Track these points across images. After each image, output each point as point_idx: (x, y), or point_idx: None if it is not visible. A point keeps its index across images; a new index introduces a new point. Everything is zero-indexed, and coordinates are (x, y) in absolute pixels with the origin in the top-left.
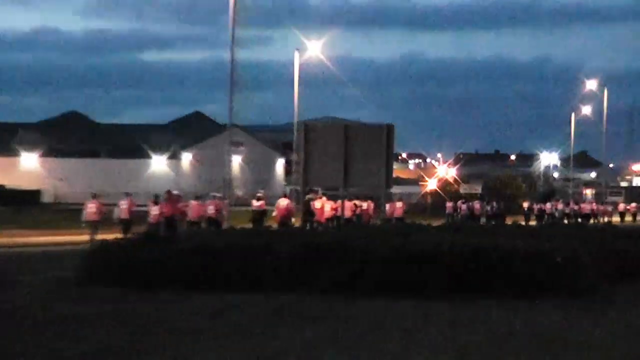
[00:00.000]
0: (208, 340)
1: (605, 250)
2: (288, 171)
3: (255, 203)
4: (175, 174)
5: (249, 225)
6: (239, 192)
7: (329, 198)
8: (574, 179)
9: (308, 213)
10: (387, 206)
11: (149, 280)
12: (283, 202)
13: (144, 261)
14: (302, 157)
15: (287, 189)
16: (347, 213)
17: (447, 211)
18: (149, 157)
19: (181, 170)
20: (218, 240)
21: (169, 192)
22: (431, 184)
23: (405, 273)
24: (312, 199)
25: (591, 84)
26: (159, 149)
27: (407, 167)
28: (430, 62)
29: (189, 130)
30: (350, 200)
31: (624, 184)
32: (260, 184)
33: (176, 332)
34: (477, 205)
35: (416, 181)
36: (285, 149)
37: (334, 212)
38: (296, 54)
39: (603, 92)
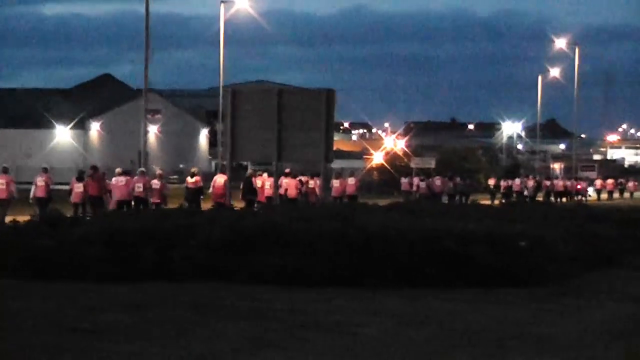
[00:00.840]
0: (116, 343)
1: (577, 234)
2: (213, 143)
3: (189, 180)
4: (82, 146)
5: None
6: (157, 167)
7: (271, 175)
8: (540, 151)
9: (249, 192)
10: (337, 183)
11: (47, 270)
12: (220, 179)
13: (43, 248)
14: (228, 127)
15: (212, 163)
16: (292, 192)
17: (402, 188)
18: (51, 127)
19: (89, 142)
20: (130, 224)
21: (94, 167)
22: (377, 158)
23: (345, 261)
24: (253, 175)
25: (561, 43)
26: (62, 118)
27: (350, 138)
28: (377, 17)
29: (98, 96)
30: (295, 177)
31: (597, 156)
32: (181, 158)
33: (78, 331)
34: (437, 181)
35: (360, 154)
36: (209, 117)
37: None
38: (222, 7)
39: (574, 52)
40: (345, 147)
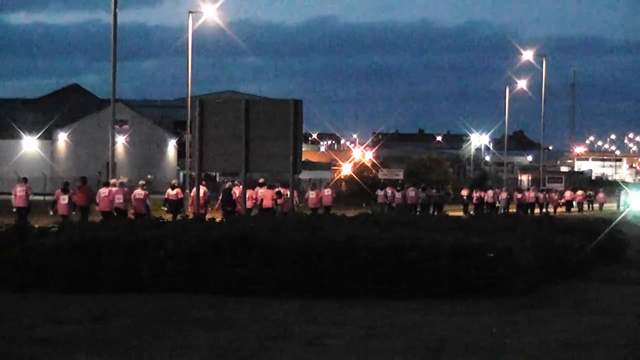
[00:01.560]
0: (78, 354)
1: (543, 245)
2: (181, 154)
3: (170, 192)
4: (49, 156)
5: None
6: (124, 178)
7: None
8: (508, 163)
9: (228, 202)
10: (314, 194)
11: (13, 279)
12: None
13: (12, 258)
14: (196, 138)
15: (181, 174)
16: (267, 202)
17: (379, 200)
18: (18, 137)
19: (56, 152)
20: (98, 235)
21: (83, 178)
22: (345, 169)
23: (312, 272)
24: (231, 187)
25: (528, 54)
26: (29, 128)
27: (319, 149)
28: (345, 28)
29: (65, 106)
30: (271, 187)
31: (564, 168)
32: (149, 168)
33: (45, 342)
34: (411, 192)
35: (329, 165)
36: (177, 128)
37: (253, 201)
38: (189, 18)
39: (541, 63)
40: (313, 157)
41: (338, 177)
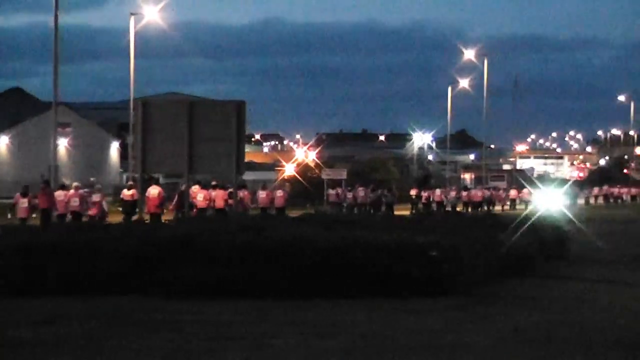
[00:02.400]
0: (27, 357)
1: (487, 243)
2: (124, 156)
3: (126, 192)
4: None
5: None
6: (67, 181)
7: (203, 187)
8: (451, 162)
9: (183, 204)
10: (263, 194)
11: None
12: (154, 191)
13: None
14: (139, 140)
15: (124, 176)
16: (219, 203)
17: (330, 199)
18: None
19: None
20: (41, 238)
21: (46, 182)
22: (289, 169)
23: (257, 273)
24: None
25: (470, 54)
26: None
27: (262, 150)
28: (289, 28)
29: (7, 110)
30: (225, 189)
31: (506, 166)
32: (92, 171)
33: None
34: (361, 192)
35: (272, 166)
36: (120, 130)
37: (207, 202)
38: (131, 20)
39: (483, 62)
40: (257, 158)
41: (282, 177)
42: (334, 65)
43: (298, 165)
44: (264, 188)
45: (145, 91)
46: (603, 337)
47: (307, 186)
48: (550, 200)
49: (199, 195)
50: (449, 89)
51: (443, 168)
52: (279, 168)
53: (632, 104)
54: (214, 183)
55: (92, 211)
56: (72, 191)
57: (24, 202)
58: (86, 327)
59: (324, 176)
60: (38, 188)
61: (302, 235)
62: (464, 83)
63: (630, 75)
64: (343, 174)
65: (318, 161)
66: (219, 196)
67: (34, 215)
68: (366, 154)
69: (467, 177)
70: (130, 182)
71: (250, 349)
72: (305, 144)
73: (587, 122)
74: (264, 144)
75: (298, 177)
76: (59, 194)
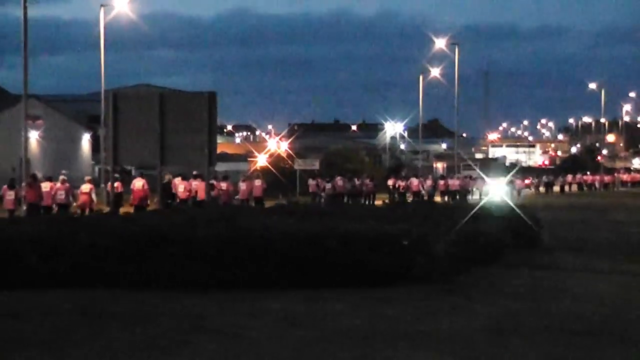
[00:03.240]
0: None
1: (458, 232)
2: (96, 148)
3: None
4: None
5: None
6: (39, 173)
7: (184, 178)
8: (423, 151)
9: (167, 195)
10: (244, 185)
11: None
12: (139, 183)
13: None
14: (110, 132)
15: (96, 169)
16: (201, 194)
17: (310, 189)
18: None
19: None
20: (13, 230)
21: (33, 176)
22: (261, 160)
23: (229, 264)
24: (170, 180)
25: (441, 43)
26: None
27: (234, 141)
28: (260, 19)
29: None
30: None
31: (479, 155)
32: (63, 164)
33: None
34: (339, 182)
35: (244, 157)
36: (91, 122)
37: (188, 193)
38: (101, 11)
39: (455, 51)
40: (229, 149)
41: (254, 168)
42: (305, 56)
43: (270, 156)
44: (244, 179)
45: (116, 83)
46: (572, 325)
47: (279, 177)
48: (495, 190)
49: (180, 186)
50: (420, 78)
51: (415, 157)
52: (251, 159)
53: (602, 92)
54: (195, 173)
55: (82, 200)
56: (58, 184)
57: (10, 195)
58: (54, 321)
59: (296, 167)
60: (6, 181)
61: (272, 226)
62: (436, 72)
63: (601, 63)
64: (316, 165)
65: (290, 152)
66: (200, 187)
67: (24, 208)
68: (339, 144)
69: (440, 166)
70: (115, 175)
71: (225, 340)
72: (277, 134)
73: (559, 110)
74: (236, 134)
75: (271, 167)
76: (45, 186)
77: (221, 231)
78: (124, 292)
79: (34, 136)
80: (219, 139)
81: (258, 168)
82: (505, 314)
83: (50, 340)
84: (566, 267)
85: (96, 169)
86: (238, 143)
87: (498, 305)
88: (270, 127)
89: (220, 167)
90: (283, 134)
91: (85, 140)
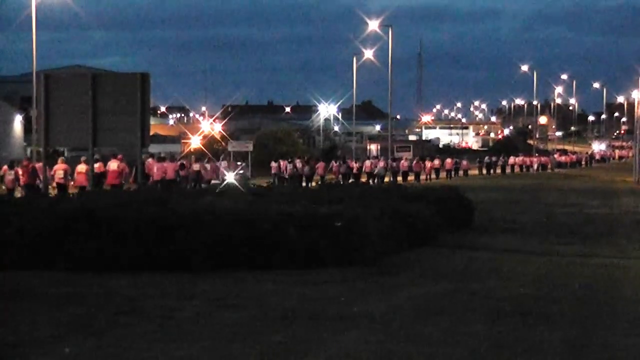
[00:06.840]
0: None
1: (392, 214)
2: (28, 130)
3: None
4: None
5: None
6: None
7: (160, 160)
8: (357, 132)
9: (143, 176)
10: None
11: None
12: (114, 165)
13: None
14: (42, 113)
15: (28, 150)
16: (170, 174)
17: (272, 171)
18: None
19: None
20: None
21: (28, 159)
22: (195, 142)
23: (162, 246)
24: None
25: (374, 24)
26: None
27: (167, 122)
28: (194, 1)
29: None
30: (172, 160)
31: (412, 137)
32: None
33: None
34: (298, 164)
35: (178, 139)
36: (23, 103)
37: (161, 173)
38: None
39: (388, 32)
40: (162, 131)
41: (187, 150)
42: (239, 37)
43: (204, 137)
44: (208, 161)
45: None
46: (501, 305)
47: (212, 159)
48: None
49: (155, 167)
50: (354, 59)
51: (349, 139)
52: (184, 141)
53: (534, 74)
54: (162, 155)
55: (78, 180)
56: (60, 164)
57: (10, 174)
58: None
59: (230, 148)
60: None
61: (205, 208)
62: (369, 54)
63: (534, 45)
64: (249, 146)
65: (224, 133)
66: (170, 168)
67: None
68: (272, 126)
69: (373, 148)
70: (97, 155)
71: (157, 322)
72: (211, 116)
73: (492, 92)
74: (170, 116)
75: (204, 149)
76: (39, 166)
77: (152, 212)
78: (56, 273)
79: None
80: (153, 121)
81: (191, 150)
82: (435, 294)
83: None
84: (498, 248)
85: (28, 150)
86: (172, 124)
87: (429, 286)
88: (204, 108)
89: (154, 148)
90: (217, 115)
91: (18, 121)
